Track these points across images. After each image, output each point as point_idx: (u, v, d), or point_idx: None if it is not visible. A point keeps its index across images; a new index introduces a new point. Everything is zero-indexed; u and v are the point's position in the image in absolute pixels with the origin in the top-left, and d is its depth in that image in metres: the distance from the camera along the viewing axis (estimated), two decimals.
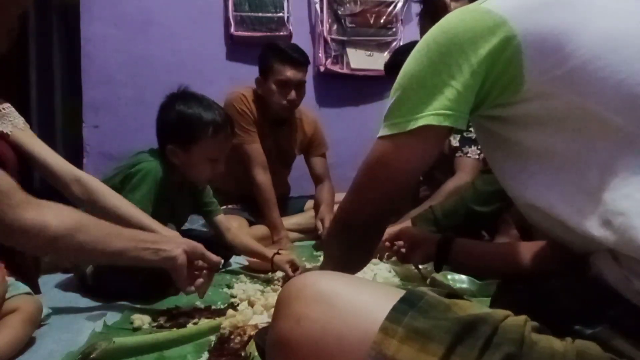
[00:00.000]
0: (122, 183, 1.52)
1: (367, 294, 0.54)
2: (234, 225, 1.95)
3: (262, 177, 2.16)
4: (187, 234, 1.89)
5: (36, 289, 1.31)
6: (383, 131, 0.69)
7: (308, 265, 1.79)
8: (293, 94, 2.17)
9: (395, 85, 0.68)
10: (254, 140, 2.19)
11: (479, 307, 0.53)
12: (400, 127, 0.66)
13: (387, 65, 2.12)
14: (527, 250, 0.90)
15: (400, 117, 0.66)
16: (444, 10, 0.81)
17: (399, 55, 1.94)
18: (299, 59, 2.16)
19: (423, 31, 0.91)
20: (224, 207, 2.22)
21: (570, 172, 0.59)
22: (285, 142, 2.37)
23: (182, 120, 1.55)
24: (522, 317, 0.51)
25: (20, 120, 1.32)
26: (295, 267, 1.64)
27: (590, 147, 0.57)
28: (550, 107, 0.59)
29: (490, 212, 1.59)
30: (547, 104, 0.59)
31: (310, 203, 2.46)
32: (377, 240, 0.82)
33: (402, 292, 0.53)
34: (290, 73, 2.14)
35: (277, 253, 1.70)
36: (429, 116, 0.63)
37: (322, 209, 2.22)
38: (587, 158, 0.57)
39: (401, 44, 3.07)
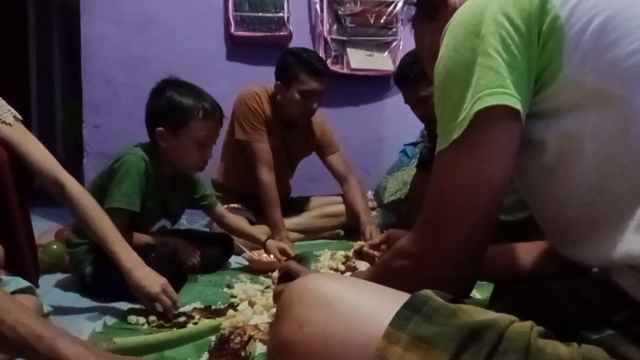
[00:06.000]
0: (108, 179, 1.52)
1: (370, 298, 0.53)
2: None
3: (267, 176, 2.18)
4: (187, 233, 1.90)
5: (35, 285, 1.31)
6: (441, 145, 0.59)
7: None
8: (315, 104, 2.21)
9: (435, 91, 0.62)
10: (262, 139, 2.21)
11: (484, 312, 0.51)
12: (460, 127, 0.57)
13: (395, 79, 2.11)
14: (525, 251, 0.88)
15: (454, 118, 0.57)
16: (444, 2, 0.74)
17: (405, 68, 1.94)
18: (323, 71, 2.20)
19: (419, 35, 0.84)
20: (226, 206, 2.23)
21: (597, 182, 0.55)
22: (294, 144, 2.38)
23: (172, 103, 1.57)
24: (529, 323, 0.50)
25: (9, 115, 1.25)
26: (286, 255, 1.71)
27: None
28: (577, 97, 0.55)
29: (515, 221, 1.51)
30: (575, 93, 0.55)
31: (311, 203, 2.46)
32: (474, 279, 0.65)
33: (406, 296, 0.52)
34: (315, 84, 2.17)
35: (271, 238, 1.79)
36: (484, 98, 0.55)
37: (362, 219, 2.23)
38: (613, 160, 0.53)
39: (401, 44, 3.07)
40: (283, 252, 1.78)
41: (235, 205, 2.26)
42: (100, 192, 1.50)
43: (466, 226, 0.58)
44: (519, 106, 0.55)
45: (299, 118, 2.27)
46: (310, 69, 2.16)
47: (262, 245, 1.82)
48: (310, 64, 2.17)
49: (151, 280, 1.27)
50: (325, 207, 2.43)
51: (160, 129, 1.58)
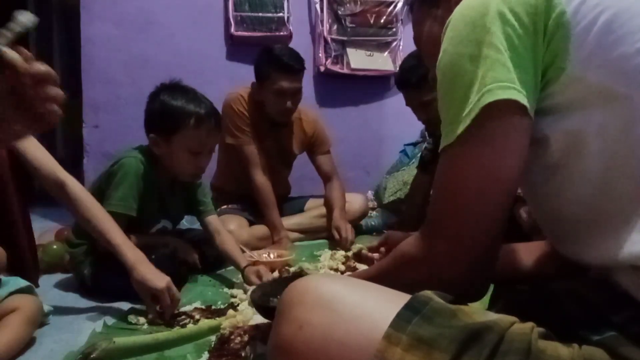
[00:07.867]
0: (106, 182, 1.51)
1: (371, 299, 0.53)
2: (231, 227, 1.95)
3: (260, 178, 2.16)
4: (187, 233, 1.90)
5: (35, 285, 1.31)
6: (446, 140, 0.57)
7: (307, 266, 1.79)
8: (289, 103, 2.14)
9: (438, 88, 0.60)
10: (249, 141, 2.18)
11: (484, 313, 0.51)
12: (466, 120, 0.55)
13: (397, 82, 2.10)
14: (525, 251, 0.87)
15: (460, 112, 0.55)
16: None
17: (407, 72, 1.93)
18: (294, 67, 2.10)
19: (418, 21, 0.80)
20: (225, 206, 2.22)
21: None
22: (286, 142, 2.36)
23: (164, 109, 1.53)
24: (529, 324, 0.50)
25: None
26: (260, 278, 1.54)
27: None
28: (582, 95, 0.54)
29: None
30: (580, 91, 0.54)
31: (310, 203, 2.46)
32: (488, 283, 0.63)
33: (407, 297, 0.52)
34: (285, 83, 2.09)
35: (252, 265, 1.62)
36: (494, 90, 0.54)
37: (335, 214, 2.20)
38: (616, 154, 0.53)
39: (401, 44, 3.07)
40: (258, 274, 1.55)
41: (233, 205, 2.25)
42: (99, 195, 1.50)
43: (477, 226, 0.56)
44: (526, 102, 0.54)
45: (276, 117, 2.20)
46: (279, 67, 2.07)
47: (240, 271, 1.62)
48: (279, 61, 2.07)
49: (156, 275, 1.27)
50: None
51: (153, 135, 1.55)
